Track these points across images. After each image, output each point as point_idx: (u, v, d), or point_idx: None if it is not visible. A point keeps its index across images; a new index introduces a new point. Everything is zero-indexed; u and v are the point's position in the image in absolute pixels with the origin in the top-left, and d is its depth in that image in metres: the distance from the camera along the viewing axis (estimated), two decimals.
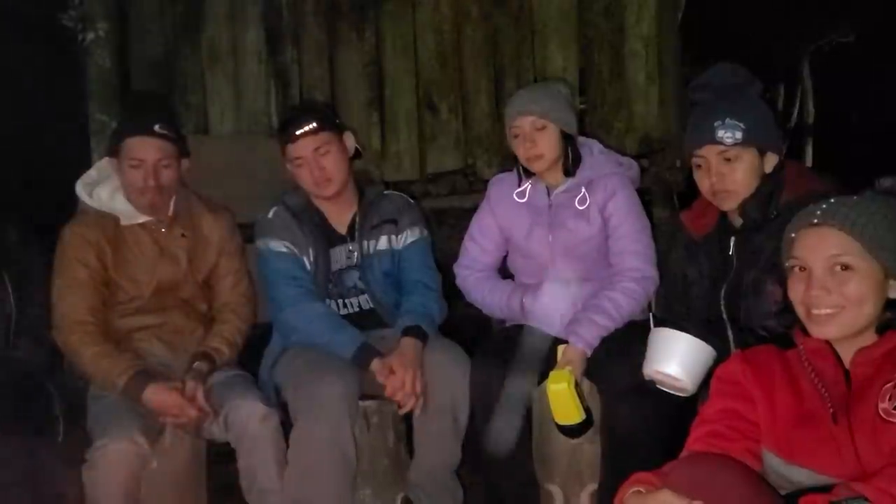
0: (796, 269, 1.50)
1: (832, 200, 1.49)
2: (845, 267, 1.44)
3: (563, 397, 2.10)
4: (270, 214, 2.42)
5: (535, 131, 2.30)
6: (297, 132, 2.34)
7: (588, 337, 2.20)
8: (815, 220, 1.48)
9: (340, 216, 2.46)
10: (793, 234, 1.52)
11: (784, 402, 1.51)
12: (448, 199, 3.44)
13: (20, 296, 2.28)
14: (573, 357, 2.17)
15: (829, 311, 1.45)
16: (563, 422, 2.14)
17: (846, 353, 1.49)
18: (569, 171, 2.36)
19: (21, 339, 2.29)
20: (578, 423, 2.13)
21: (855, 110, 4.83)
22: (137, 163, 2.27)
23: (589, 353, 2.20)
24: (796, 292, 1.50)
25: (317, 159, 2.35)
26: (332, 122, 2.43)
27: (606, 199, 2.32)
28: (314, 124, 2.35)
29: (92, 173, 2.40)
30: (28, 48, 3.02)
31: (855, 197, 1.50)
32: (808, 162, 5.40)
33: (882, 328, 1.48)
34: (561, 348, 2.21)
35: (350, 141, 2.46)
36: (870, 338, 1.48)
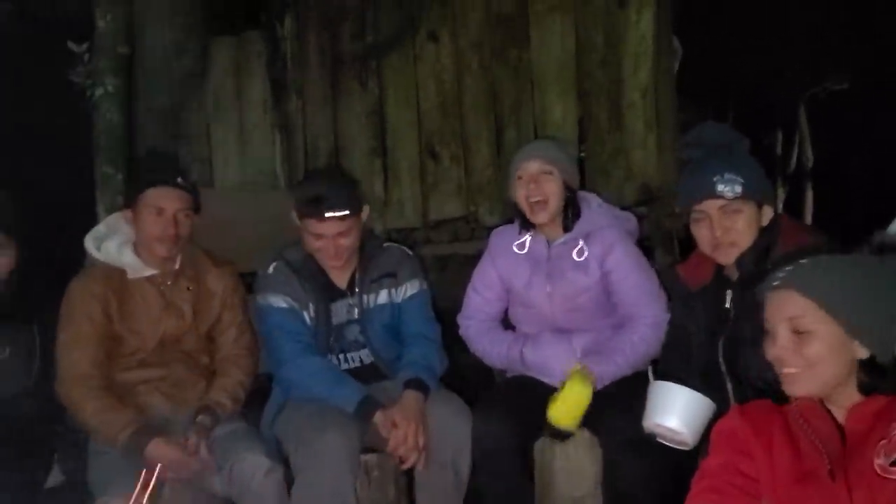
0: (768, 333, 1.53)
1: (796, 263, 1.52)
2: (803, 330, 1.47)
3: (579, 403, 2.15)
4: (270, 270, 2.42)
5: (541, 175, 2.34)
6: (328, 215, 2.31)
7: (604, 375, 2.24)
8: (776, 283, 1.51)
9: (341, 271, 2.46)
10: (762, 299, 1.55)
11: (783, 458, 1.51)
12: (450, 246, 3.47)
13: (45, 347, 2.33)
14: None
15: (793, 370, 1.48)
16: (560, 423, 2.16)
17: (837, 410, 1.50)
18: (567, 227, 2.39)
19: (42, 388, 2.33)
20: (566, 431, 2.17)
21: (853, 156, 4.87)
22: (159, 211, 2.32)
23: (597, 387, 2.23)
24: (768, 353, 1.52)
25: (336, 238, 2.35)
26: (360, 205, 2.41)
27: (605, 253, 2.35)
28: (347, 212, 2.33)
29: (101, 228, 2.44)
30: (37, 103, 3.08)
31: (820, 257, 1.52)
32: (809, 206, 5.43)
33: (867, 389, 1.48)
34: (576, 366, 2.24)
35: (366, 214, 2.45)
36: (853, 393, 1.49)
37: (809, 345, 1.47)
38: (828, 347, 1.46)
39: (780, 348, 1.49)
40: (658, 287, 2.35)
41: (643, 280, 2.35)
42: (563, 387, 2.19)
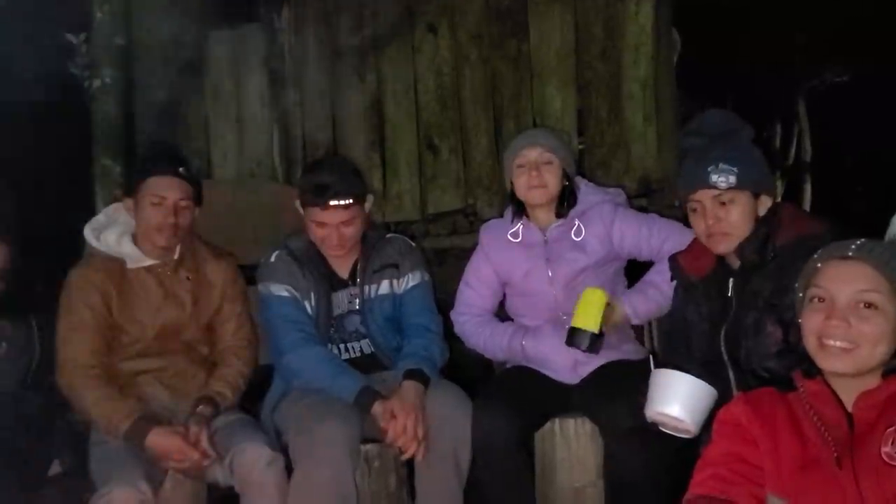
0: (815, 299, 1.50)
1: (865, 239, 1.50)
2: (869, 305, 1.44)
3: (593, 303, 2.20)
4: (273, 258, 2.42)
5: (542, 164, 2.36)
6: (332, 203, 2.30)
7: (638, 307, 2.32)
8: (850, 254, 1.48)
9: (343, 261, 2.46)
10: (818, 265, 1.51)
11: (787, 446, 1.51)
12: (449, 239, 3.47)
13: (44, 341, 2.32)
14: (617, 306, 2.28)
15: (842, 344, 1.45)
16: (581, 325, 2.20)
17: (847, 396, 1.49)
18: (561, 214, 2.41)
19: (41, 383, 2.32)
20: (590, 334, 2.19)
21: (852, 148, 4.88)
22: (160, 200, 2.31)
23: (634, 321, 2.36)
24: (812, 322, 1.48)
25: (339, 227, 2.34)
26: (364, 193, 2.40)
27: (609, 226, 2.38)
28: (350, 200, 2.32)
29: (100, 218, 2.43)
30: (35, 94, 3.07)
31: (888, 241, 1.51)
32: (807, 198, 5.45)
33: (887, 372, 1.48)
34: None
35: (370, 203, 2.45)
36: (873, 381, 1.48)
37: (870, 321, 1.44)
38: (888, 328, 1.44)
39: (839, 318, 1.45)
40: (677, 224, 2.38)
41: (659, 222, 2.41)
42: None
